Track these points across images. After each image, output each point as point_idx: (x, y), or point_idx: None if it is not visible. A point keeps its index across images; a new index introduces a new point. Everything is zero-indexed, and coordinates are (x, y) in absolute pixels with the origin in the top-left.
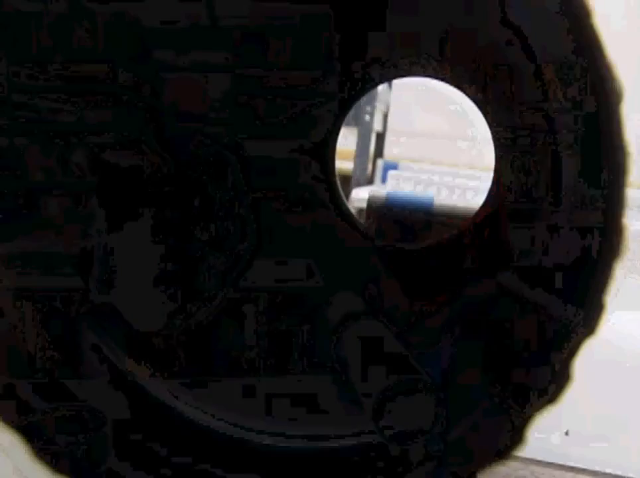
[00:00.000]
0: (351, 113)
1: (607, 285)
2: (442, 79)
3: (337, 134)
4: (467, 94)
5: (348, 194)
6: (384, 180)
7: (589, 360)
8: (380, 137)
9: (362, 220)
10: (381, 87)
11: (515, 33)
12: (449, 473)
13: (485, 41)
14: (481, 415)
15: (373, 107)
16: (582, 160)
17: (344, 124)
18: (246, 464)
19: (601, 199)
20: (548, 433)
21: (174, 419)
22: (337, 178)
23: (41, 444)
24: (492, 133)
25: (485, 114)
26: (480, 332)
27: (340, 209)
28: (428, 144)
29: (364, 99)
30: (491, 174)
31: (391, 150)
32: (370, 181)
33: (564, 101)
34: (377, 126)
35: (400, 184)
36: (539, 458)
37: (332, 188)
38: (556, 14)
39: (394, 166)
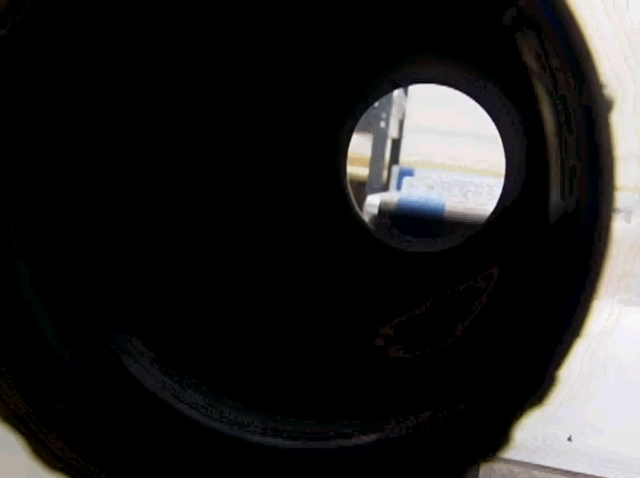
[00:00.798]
0: (366, 119)
1: None
2: None
3: None
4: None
5: (362, 201)
6: (399, 186)
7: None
8: (396, 144)
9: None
10: (396, 93)
11: None
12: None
13: None
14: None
15: (388, 114)
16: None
17: (358, 130)
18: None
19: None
20: (551, 438)
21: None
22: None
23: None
24: None
25: None
26: None
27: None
28: (445, 147)
29: (378, 105)
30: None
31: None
32: (385, 188)
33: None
34: (393, 132)
35: (415, 191)
36: (541, 463)
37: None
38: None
39: (409, 172)
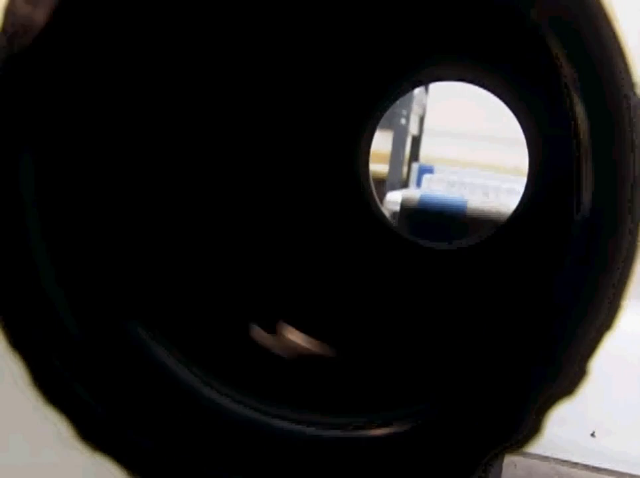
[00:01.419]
0: (386, 116)
1: None
2: None
3: None
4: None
5: (382, 197)
6: (418, 183)
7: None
8: (416, 141)
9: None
10: (417, 91)
11: None
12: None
13: None
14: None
15: (409, 111)
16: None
17: (378, 127)
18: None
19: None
20: (574, 433)
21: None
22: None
23: None
24: None
25: None
26: None
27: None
28: (465, 145)
29: (398, 102)
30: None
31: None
32: (404, 185)
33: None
34: (413, 129)
35: (435, 188)
36: (565, 457)
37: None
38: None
39: (429, 169)
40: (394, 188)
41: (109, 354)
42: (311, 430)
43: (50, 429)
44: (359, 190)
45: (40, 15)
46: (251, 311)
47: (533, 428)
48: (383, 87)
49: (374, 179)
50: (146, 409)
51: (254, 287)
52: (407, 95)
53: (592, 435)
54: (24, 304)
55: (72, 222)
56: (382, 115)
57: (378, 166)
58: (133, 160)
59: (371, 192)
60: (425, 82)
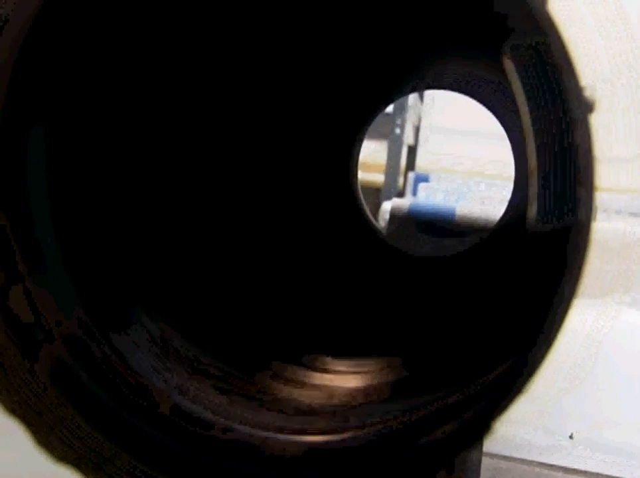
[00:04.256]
0: (381, 126)
1: None
2: None
3: None
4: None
5: (378, 207)
6: (414, 192)
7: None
8: (412, 150)
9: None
10: (412, 100)
11: None
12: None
13: None
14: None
15: (404, 120)
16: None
17: (374, 137)
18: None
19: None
20: (553, 435)
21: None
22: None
23: None
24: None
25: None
26: None
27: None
28: (461, 151)
29: (393, 111)
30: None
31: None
32: (400, 194)
33: None
34: (408, 139)
35: (431, 197)
36: (543, 460)
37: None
38: None
39: (425, 178)
40: (389, 197)
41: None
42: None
43: None
44: (352, 199)
45: None
46: (240, 318)
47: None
48: (378, 95)
49: (370, 189)
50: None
51: (244, 295)
52: (402, 104)
53: (570, 437)
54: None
55: (79, 217)
56: (371, 122)
57: (373, 176)
58: (135, 156)
59: (361, 201)
60: (420, 89)
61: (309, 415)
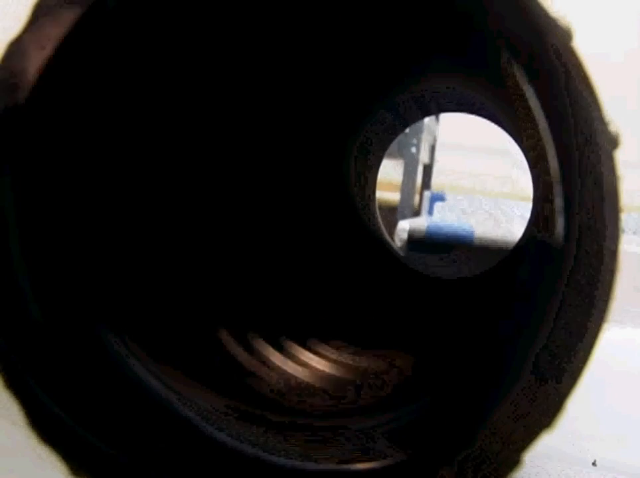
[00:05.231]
0: (397, 144)
1: None
2: None
3: None
4: None
5: (394, 226)
6: (430, 211)
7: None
8: (427, 169)
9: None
10: (427, 120)
11: None
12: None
13: None
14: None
15: (419, 140)
16: None
17: (390, 156)
18: None
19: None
20: (577, 463)
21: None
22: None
23: None
24: None
25: None
26: None
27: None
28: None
29: (409, 131)
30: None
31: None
32: (416, 213)
33: None
34: (424, 158)
35: (446, 216)
36: None
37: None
38: None
39: (441, 197)
40: (405, 216)
41: (79, 360)
42: (294, 463)
43: None
44: (352, 211)
45: None
46: (230, 324)
47: (512, 460)
48: (373, 101)
49: (386, 207)
50: (114, 418)
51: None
52: (418, 124)
53: (593, 464)
54: None
55: (49, 226)
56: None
57: (389, 195)
58: (111, 165)
59: (377, 220)
60: (434, 111)
61: None
